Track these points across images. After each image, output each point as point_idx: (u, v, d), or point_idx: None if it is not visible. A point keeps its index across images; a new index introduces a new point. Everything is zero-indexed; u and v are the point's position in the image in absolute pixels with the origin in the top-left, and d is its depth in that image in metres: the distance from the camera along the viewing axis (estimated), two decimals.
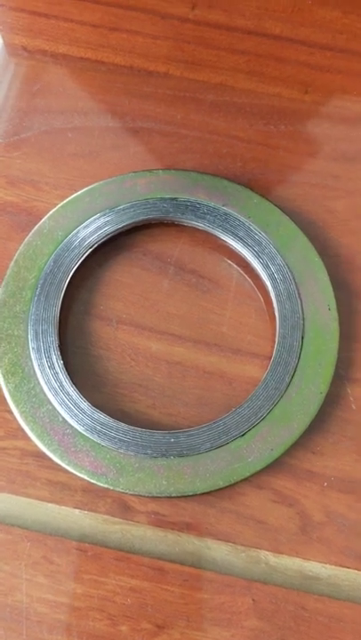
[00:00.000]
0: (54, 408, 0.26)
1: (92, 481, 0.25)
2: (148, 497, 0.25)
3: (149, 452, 0.25)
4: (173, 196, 0.29)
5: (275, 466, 0.27)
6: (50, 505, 0.26)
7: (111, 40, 0.34)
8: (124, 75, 0.33)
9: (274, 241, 0.28)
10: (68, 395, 0.26)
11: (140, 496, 0.26)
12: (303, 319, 0.27)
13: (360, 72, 0.34)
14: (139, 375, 0.28)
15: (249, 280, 0.29)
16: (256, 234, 0.28)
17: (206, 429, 0.26)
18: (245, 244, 0.28)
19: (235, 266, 0.30)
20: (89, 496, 0.26)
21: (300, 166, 0.32)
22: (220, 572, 0.26)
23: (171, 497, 0.25)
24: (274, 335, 0.28)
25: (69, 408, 0.26)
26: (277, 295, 0.27)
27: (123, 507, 0.26)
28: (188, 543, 0.26)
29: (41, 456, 0.27)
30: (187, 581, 0.26)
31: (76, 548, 0.26)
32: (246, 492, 0.27)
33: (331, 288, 0.28)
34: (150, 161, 0.31)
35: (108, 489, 0.25)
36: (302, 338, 0.27)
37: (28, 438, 0.26)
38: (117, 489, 0.25)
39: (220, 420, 0.26)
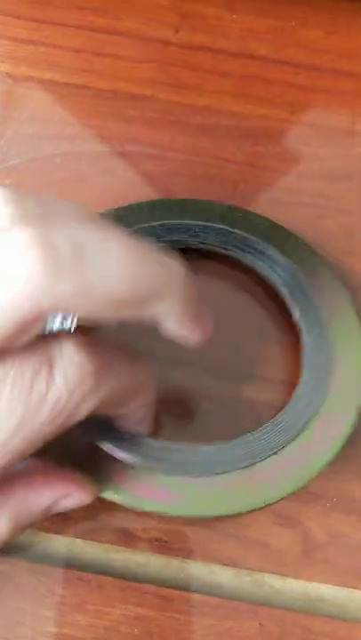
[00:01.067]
0: None
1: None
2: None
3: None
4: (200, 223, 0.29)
5: None
6: (52, 536, 0.26)
7: (95, 65, 0.34)
8: (109, 99, 0.34)
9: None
10: None
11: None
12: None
13: (345, 91, 0.35)
14: None
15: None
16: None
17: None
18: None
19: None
20: (90, 525, 0.26)
21: (289, 186, 0.32)
22: (225, 596, 0.26)
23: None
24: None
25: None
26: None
27: (125, 535, 0.26)
28: (192, 569, 0.26)
29: None
30: (193, 608, 0.25)
31: (79, 579, 0.26)
32: (249, 516, 0.27)
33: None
34: (139, 185, 0.32)
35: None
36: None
37: None
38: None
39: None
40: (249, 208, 0.31)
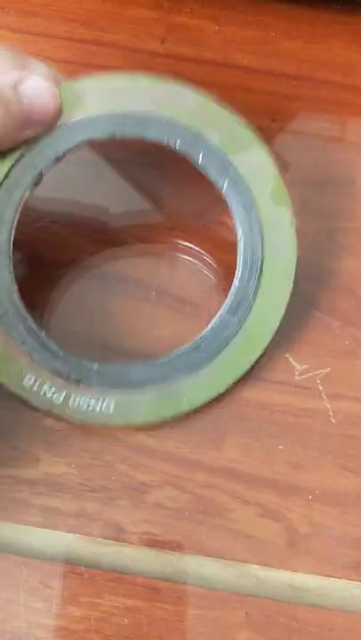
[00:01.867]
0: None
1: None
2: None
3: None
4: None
5: (261, 481, 0.28)
6: (44, 531, 0.27)
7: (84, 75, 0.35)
8: None
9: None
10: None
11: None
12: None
13: (324, 99, 0.35)
14: None
15: None
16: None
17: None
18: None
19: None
20: (81, 520, 0.27)
21: None
22: (212, 587, 0.27)
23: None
24: None
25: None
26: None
27: (115, 528, 0.27)
28: (180, 561, 0.27)
29: (33, 483, 0.27)
30: (180, 599, 0.26)
31: (72, 572, 0.26)
32: (234, 509, 0.28)
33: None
34: (126, 191, 0.32)
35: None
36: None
37: None
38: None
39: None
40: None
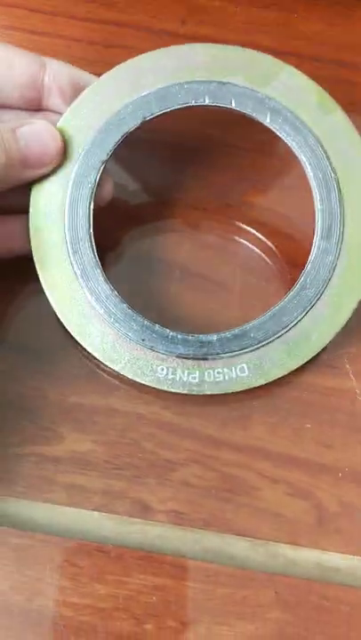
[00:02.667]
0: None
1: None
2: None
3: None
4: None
5: (289, 459, 0.27)
6: (69, 509, 0.27)
7: (106, 56, 0.35)
8: None
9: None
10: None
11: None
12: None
13: (345, 81, 0.35)
14: None
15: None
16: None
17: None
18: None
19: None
20: (107, 498, 0.27)
21: (296, 172, 0.32)
22: (240, 566, 0.26)
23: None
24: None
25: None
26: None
27: (142, 507, 0.27)
28: (207, 540, 0.27)
29: (58, 461, 0.27)
30: (209, 577, 0.26)
31: (98, 550, 0.26)
32: (262, 487, 0.27)
33: None
34: (150, 170, 0.32)
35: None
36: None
37: None
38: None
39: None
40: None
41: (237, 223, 0.31)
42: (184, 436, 0.28)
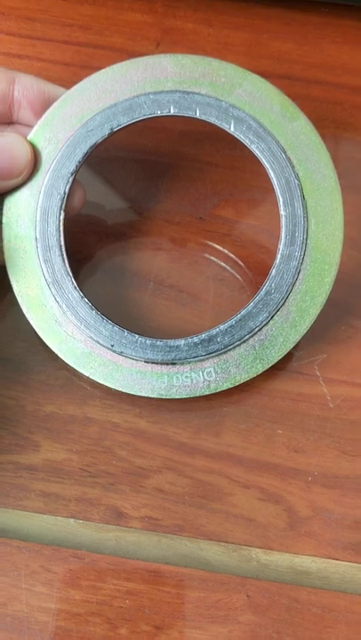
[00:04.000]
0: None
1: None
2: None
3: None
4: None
5: (260, 465, 0.28)
6: (45, 516, 0.27)
7: (83, 77, 0.36)
8: None
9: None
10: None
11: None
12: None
13: (315, 98, 0.36)
14: None
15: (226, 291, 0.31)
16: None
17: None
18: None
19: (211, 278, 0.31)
20: (82, 505, 0.27)
21: (265, 186, 0.33)
22: (213, 570, 0.27)
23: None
24: None
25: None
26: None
27: (116, 513, 0.27)
28: (181, 545, 0.27)
29: (33, 469, 0.28)
30: (182, 582, 0.26)
31: (73, 556, 0.27)
32: (234, 493, 0.28)
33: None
34: (124, 186, 0.33)
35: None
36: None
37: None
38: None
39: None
40: (227, 206, 0.32)
41: (210, 236, 0.32)
42: (157, 444, 0.28)
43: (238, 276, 0.31)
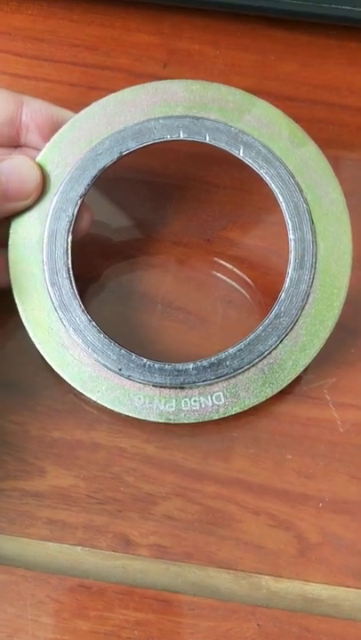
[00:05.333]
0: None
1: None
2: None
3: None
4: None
5: (270, 491, 0.28)
6: (51, 544, 0.27)
7: (89, 98, 0.35)
8: None
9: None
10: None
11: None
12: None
13: (320, 119, 0.36)
14: None
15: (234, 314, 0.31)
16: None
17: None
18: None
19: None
20: (89, 532, 0.27)
21: (272, 208, 0.33)
22: (223, 599, 0.26)
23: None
24: None
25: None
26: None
27: (124, 541, 0.27)
28: (190, 573, 0.27)
29: (39, 496, 0.27)
30: (192, 611, 0.26)
31: (80, 585, 0.26)
32: (243, 519, 0.27)
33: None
34: (132, 207, 0.33)
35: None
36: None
37: None
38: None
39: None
40: (235, 227, 0.32)
41: (218, 258, 0.32)
42: (166, 470, 0.28)
43: (246, 298, 0.31)
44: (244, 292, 0.31)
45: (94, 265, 0.31)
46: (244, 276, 0.32)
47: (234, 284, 0.32)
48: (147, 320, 0.30)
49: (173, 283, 0.31)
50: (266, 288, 0.32)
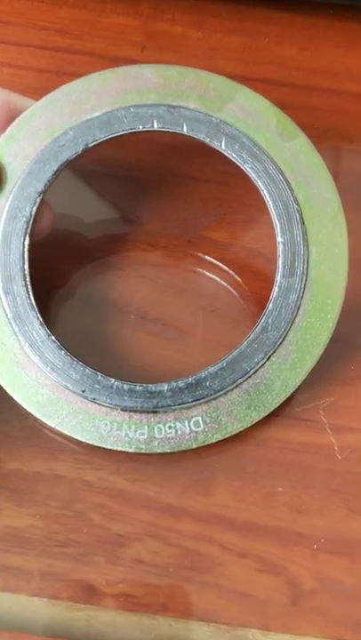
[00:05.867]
0: None
1: None
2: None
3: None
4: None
5: (258, 529, 0.25)
6: (3, 595, 0.24)
7: (58, 84, 0.33)
8: None
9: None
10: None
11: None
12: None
13: (317, 107, 0.34)
14: None
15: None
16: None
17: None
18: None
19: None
20: (49, 580, 0.24)
21: (262, 205, 0.30)
22: None
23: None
24: None
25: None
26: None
27: (88, 590, 0.24)
28: (165, 626, 0.24)
29: None
30: None
31: None
32: (227, 563, 0.24)
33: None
34: (102, 205, 0.30)
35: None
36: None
37: None
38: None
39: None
40: (219, 227, 0.29)
41: (199, 261, 0.29)
42: (138, 506, 0.25)
43: (232, 308, 0.29)
44: (230, 300, 0.29)
45: (58, 270, 0.29)
46: (230, 283, 0.29)
47: (218, 290, 0.29)
48: (118, 333, 0.28)
49: (149, 290, 0.29)
50: (254, 295, 0.29)
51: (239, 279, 0.29)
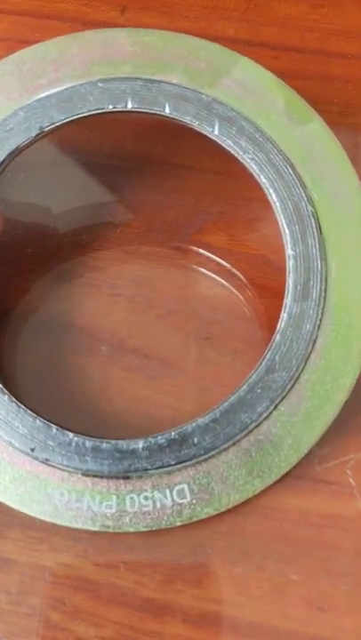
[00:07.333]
0: None
1: None
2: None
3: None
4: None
5: (265, 632, 0.20)
6: None
7: None
8: None
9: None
10: None
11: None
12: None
13: (335, 77, 0.30)
14: None
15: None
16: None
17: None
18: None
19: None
20: None
21: (264, 198, 0.26)
22: None
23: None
24: None
25: None
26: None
27: None
28: None
29: None
30: None
31: None
32: None
33: None
34: (70, 202, 0.26)
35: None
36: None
37: None
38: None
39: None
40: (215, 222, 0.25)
41: (190, 274, 0.25)
42: (109, 601, 0.20)
43: (233, 334, 0.24)
44: (230, 325, 0.25)
45: (13, 286, 0.25)
46: (230, 298, 0.25)
47: (214, 309, 0.25)
48: (84, 367, 0.24)
49: (126, 311, 0.24)
50: (263, 317, 0.25)
51: (241, 297, 0.25)
